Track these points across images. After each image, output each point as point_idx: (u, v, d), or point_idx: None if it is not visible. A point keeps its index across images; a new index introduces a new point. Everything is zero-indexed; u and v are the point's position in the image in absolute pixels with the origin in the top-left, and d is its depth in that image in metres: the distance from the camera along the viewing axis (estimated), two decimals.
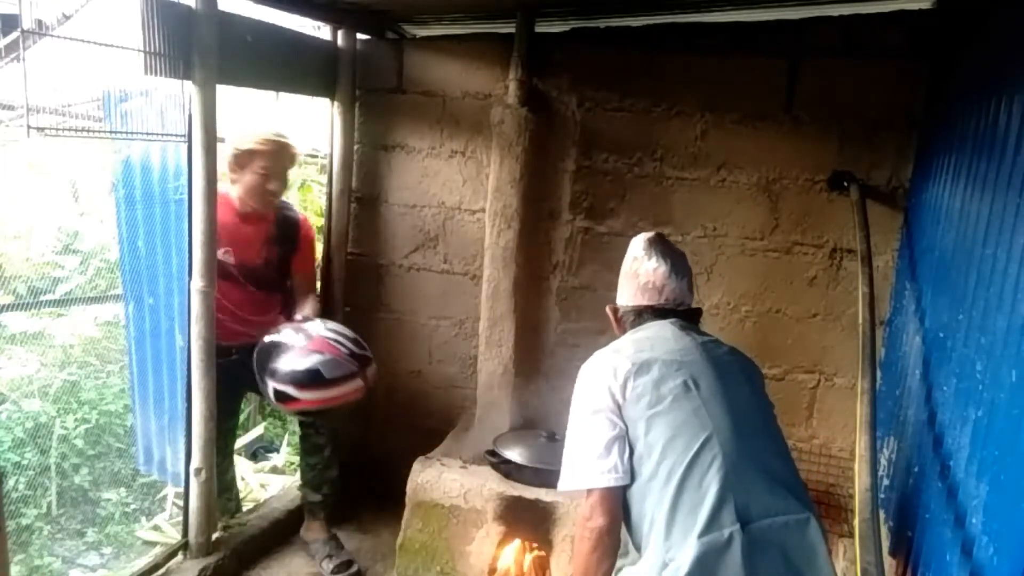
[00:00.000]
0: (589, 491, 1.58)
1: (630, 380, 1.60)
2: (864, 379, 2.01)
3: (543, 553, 2.49)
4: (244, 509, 2.97)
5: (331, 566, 2.68)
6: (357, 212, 3.19)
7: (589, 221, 2.95)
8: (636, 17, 2.79)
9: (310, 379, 2.37)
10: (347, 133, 3.07)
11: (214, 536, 2.55)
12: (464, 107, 3.01)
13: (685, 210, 2.84)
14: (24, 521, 3.21)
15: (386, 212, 3.16)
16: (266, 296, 2.73)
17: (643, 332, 1.75)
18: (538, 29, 2.79)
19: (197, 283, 2.28)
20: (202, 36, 2.17)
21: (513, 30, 2.74)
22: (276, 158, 2.59)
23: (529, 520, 2.44)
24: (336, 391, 2.42)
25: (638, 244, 1.84)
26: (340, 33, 3.00)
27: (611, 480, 1.55)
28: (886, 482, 2.35)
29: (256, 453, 3.99)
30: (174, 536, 2.80)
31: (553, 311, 3.05)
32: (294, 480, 3.36)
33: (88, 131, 2.29)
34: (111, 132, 2.18)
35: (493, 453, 2.57)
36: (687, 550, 1.45)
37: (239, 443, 3.81)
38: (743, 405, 1.62)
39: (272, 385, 2.40)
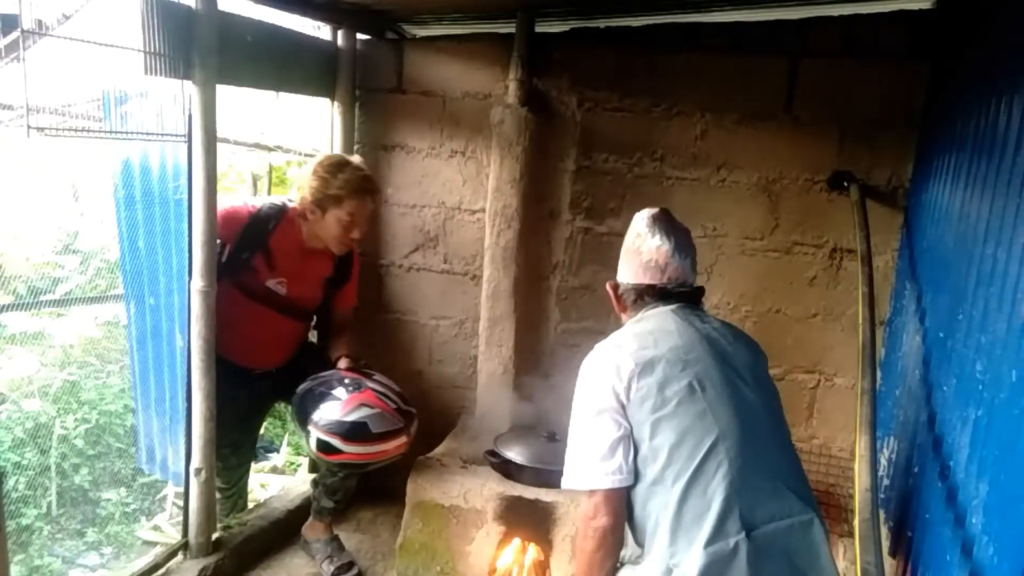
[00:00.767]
0: (593, 491, 1.57)
1: (634, 381, 1.58)
2: (864, 379, 2.01)
3: (543, 554, 2.49)
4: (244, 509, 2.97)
5: (332, 568, 2.68)
6: None
7: (589, 221, 2.95)
8: (636, 17, 2.80)
9: (356, 433, 2.30)
10: (347, 133, 3.07)
11: (214, 536, 2.54)
12: (464, 107, 3.01)
13: (685, 210, 2.82)
14: (24, 521, 3.21)
15: (386, 212, 3.16)
16: (302, 326, 2.70)
17: (645, 324, 1.71)
18: (538, 29, 2.79)
19: (197, 283, 2.28)
20: (202, 36, 2.17)
21: (513, 30, 2.75)
22: (365, 206, 2.49)
23: (529, 520, 2.44)
24: (381, 447, 2.35)
25: (641, 220, 1.78)
26: (340, 33, 3.00)
27: (616, 481, 1.55)
28: (886, 482, 2.35)
29: (256, 453, 3.99)
30: (174, 536, 2.80)
31: (553, 311, 3.05)
32: (294, 480, 3.36)
33: (88, 131, 2.28)
34: (111, 132, 2.18)
35: (493, 453, 2.57)
36: (693, 559, 1.45)
37: None
38: (749, 404, 1.61)
39: (316, 434, 2.32)
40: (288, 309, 2.58)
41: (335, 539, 2.78)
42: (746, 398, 1.61)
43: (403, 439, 2.40)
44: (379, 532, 3.03)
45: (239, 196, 2.64)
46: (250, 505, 3.01)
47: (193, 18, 2.16)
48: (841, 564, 2.27)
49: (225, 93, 2.31)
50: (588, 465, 1.58)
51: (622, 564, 1.62)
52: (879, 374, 2.63)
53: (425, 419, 3.19)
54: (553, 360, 3.02)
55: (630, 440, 1.57)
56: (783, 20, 2.65)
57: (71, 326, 3.54)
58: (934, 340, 1.94)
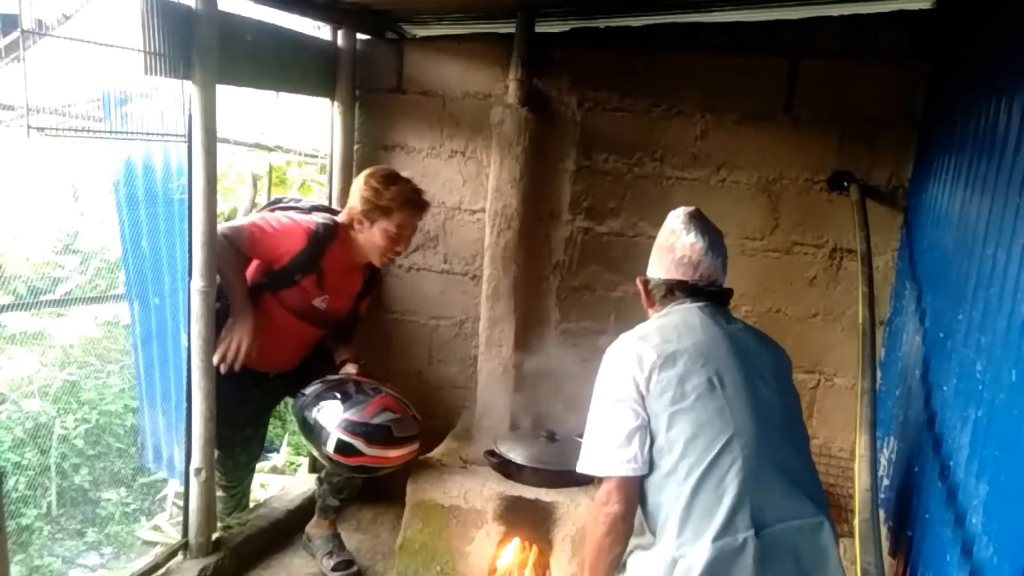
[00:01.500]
0: (607, 477, 1.60)
1: (655, 373, 1.60)
2: (864, 379, 2.01)
3: (543, 554, 2.49)
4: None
5: (331, 564, 2.68)
6: None
7: (589, 221, 2.95)
8: (636, 17, 2.80)
9: (379, 435, 2.30)
10: (347, 133, 3.07)
11: (214, 536, 2.54)
12: (464, 107, 3.01)
13: None
14: (24, 521, 3.21)
15: None
16: (323, 333, 2.68)
17: (671, 318, 1.72)
18: (538, 29, 2.79)
19: (197, 283, 2.28)
20: (202, 36, 2.17)
21: (513, 30, 2.75)
22: (414, 220, 2.49)
23: (529, 520, 2.44)
24: (400, 451, 2.36)
25: (677, 217, 1.79)
26: (340, 33, 3.00)
27: (630, 470, 1.57)
28: (886, 482, 2.35)
29: (262, 452, 3.99)
30: (174, 536, 2.80)
31: (553, 311, 3.05)
32: (294, 480, 3.36)
33: (88, 131, 2.28)
34: (111, 132, 2.18)
35: (493, 453, 2.57)
36: (700, 551, 1.46)
37: None
38: (767, 404, 1.62)
39: (337, 435, 2.29)
40: (322, 322, 2.59)
41: (337, 536, 2.78)
42: (765, 398, 1.62)
43: (416, 445, 2.43)
44: (379, 532, 3.03)
45: (290, 213, 2.53)
46: (250, 505, 3.01)
47: (193, 18, 2.16)
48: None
49: (225, 93, 2.31)
50: (604, 452, 1.60)
51: (636, 550, 1.64)
52: (879, 374, 2.63)
53: (425, 419, 3.20)
54: (553, 360, 3.02)
55: (647, 430, 1.59)
56: (783, 20, 2.65)
57: (71, 326, 3.54)
58: (934, 340, 1.94)
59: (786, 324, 2.83)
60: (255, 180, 4.31)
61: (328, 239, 2.46)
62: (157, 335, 2.43)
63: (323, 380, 2.46)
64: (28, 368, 3.42)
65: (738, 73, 2.71)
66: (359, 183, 2.47)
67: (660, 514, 1.56)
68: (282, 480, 3.58)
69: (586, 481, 2.33)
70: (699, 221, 1.77)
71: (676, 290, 1.76)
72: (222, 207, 3.62)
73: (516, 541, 2.52)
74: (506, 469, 2.52)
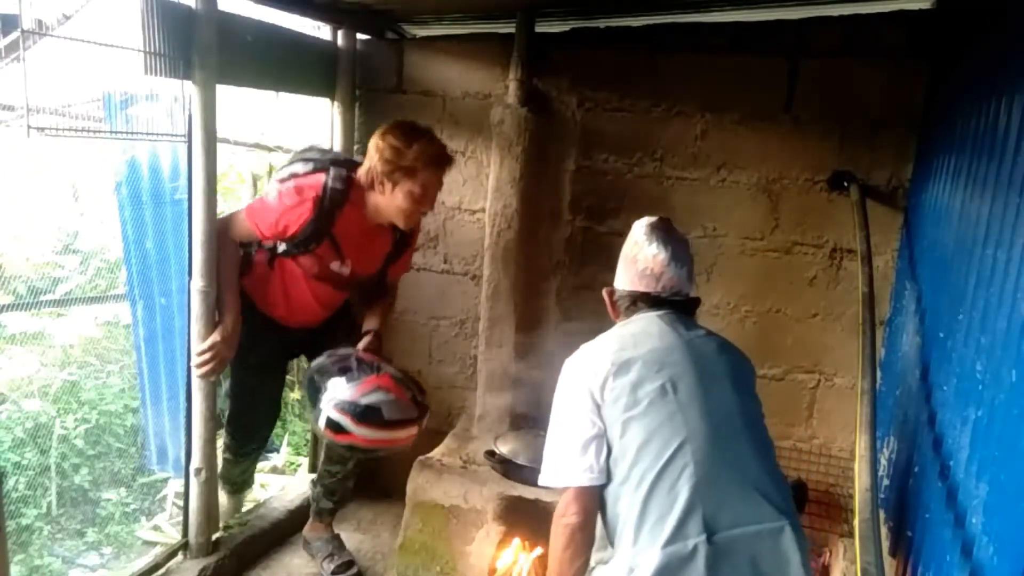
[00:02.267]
0: (564, 488, 1.59)
1: (609, 381, 1.60)
2: (864, 379, 2.01)
3: (543, 554, 2.49)
4: (244, 509, 2.97)
5: (332, 566, 2.68)
6: None
7: (589, 221, 2.95)
8: (636, 17, 2.80)
9: (368, 416, 2.18)
10: (347, 133, 3.07)
11: (214, 536, 2.55)
12: (464, 107, 3.01)
13: (685, 210, 2.84)
14: (24, 521, 3.21)
15: None
16: (350, 291, 2.62)
17: (630, 327, 1.73)
18: (538, 29, 2.79)
19: (197, 283, 2.28)
20: (202, 36, 2.17)
21: (513, 30, 2.74)
22: (438, 179, 2.32)
23: (529, 520, 2.44)
24: (391, 434, 2.23)
25: (640, 228, 1.79)
26: (340, 33, 3.00)
27: (586, 479, 1.56)
28: (886, 482, 2.35)
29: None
30: (174, 536, 2.80)
31: (553, 311, 3.05)
32: (294, 480, 3.36)
33: (88, 131, 2.28)
34: (111, 132, 2.18)
35: (493, 453, 2.57)
36: (650, 559, 1.45)
37: None
38: (724, 409, 1.60)
39: (327, 412, 2.20)
40: (346, 284, 2.51)
41: (336, 538, 2.78)
42: (721, 403, 1.61)
43: (413, 430, 2.28)
44: (379, 532, 3.03)
45: (300, 178, 2.34)
46: (250, 505, 3.01)
47: (193, 18, 2.16)
48: (841, 564, 2.27)
49: (225, 93, 2.31)
50: (560, 463, 1.61)
51: (598, 566, 1.62)
52: (879, 374, 2.63)
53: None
54: (553, 360, 3.01)
55: (603, 440, 1.58)
56: (783, 20, 2.65)
57: (71, 326, 3.53)
58: (934, 340, 1.94)
59: (786, 324, 2.83)
60: (255, 180, 4.31)
61: (338, 204, 2.31)
62: (163, 335, 2.44)
63: (330, 353, 2.34)
64: (28, 368, 3.42)
65: (738, 73, 2.71)
66: (377, 141, 2.30)
67: (618, 524, 1.55)
68: (282, 480, 3.58)
69: None
70: (662, 232, 1.77)
71: (639, 301, 1.76)
72: (222, 207, 3.61)
73: (516, 541, 2.52)
74: (506, 469, 2.52)
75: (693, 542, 1.45)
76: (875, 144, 2.63)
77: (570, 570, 1.58)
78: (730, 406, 1.62)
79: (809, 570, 1.52)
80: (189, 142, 2.23)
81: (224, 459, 2.75)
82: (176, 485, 3.18)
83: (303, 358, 2.79)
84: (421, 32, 3.15)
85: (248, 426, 2.70)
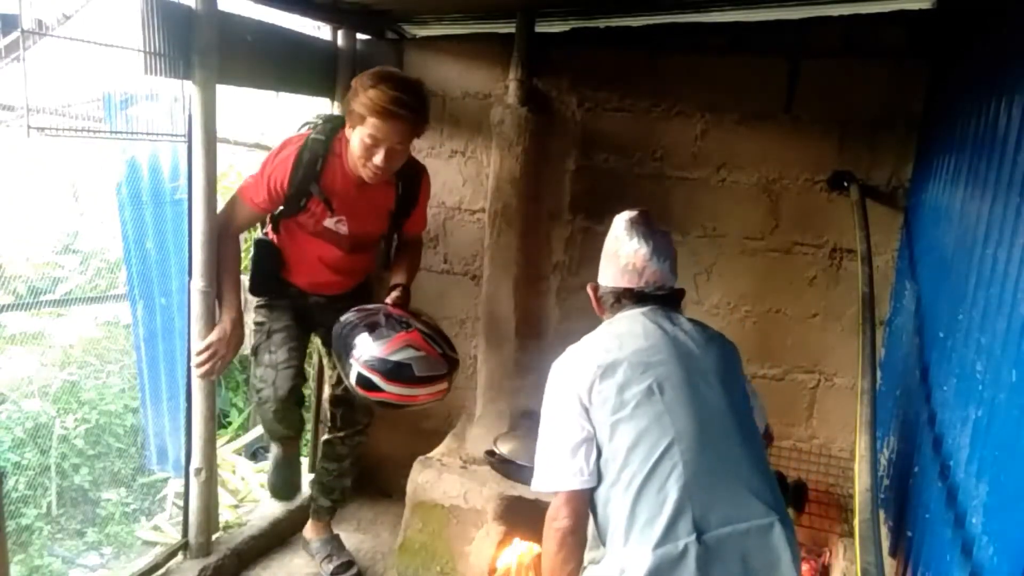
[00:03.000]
0: (556, 492, 1.59)
1: (596, 384, 1.59)
2: (864, 379, 2.01)
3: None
4: (244, 509, 2.97)
5: (331, 567, 2.68)
6: None
7: (589, 221, 2.95)
8: (636, 17, 2.79)
9: (399, 373, 2.14)
10: None
11: (214, 536, 2.55)
12: (464, 107, 3.01)
13: (685, 210, 2.84)
14: (24, 521, 3.21)
15: None
16: (367, 257, 2.56)
17: (615, 326, 1.72)
18: (538, 29, 2.79)
19: (197, 283, 2.28)
20: (202, 36, 2.17)
21: (513, 30, 2.74)
22: (390, 130, 2.14)
23: (529, 520, 2.44)
24: (422, 391, 2.20)
25: (620, 223, 1.78)
26: (340, 33, 3.00)
27: (577, 483, 1.56)
28: (886, 482, 2.35)
29: (256, 453, 3.99)
30: (174, 536, 2.80)
31: (553, 311, 3.05)
32: None
33: (88, 131, 2.28)
34: (111, 132, 2.18)
35: (493, 453, 2.57)
36: (641, 561, 1.45)
37: (239, 443, 3.81)
38: (711, 407, 1.60)
39: (357, 368, 2.15)
40: (351, 245, 2.44)
41: (335, 538, 2.78)
42: (708, 401, 1.60)
43: (444, 385, 2.24)
44: (379, 532, 3.03)
45: (290, 137, 2.34)
46: (250, 505, 3.01)
47: (193, 18, 2.16)
48: (841, 564, 2.27)
49: (225, 93, 2.31)
50: (551, 467, 1.60)
51: (589, 566, 1.62)
52: (879, 374, 2.63)
53: (425, 419, 3.21)
54: (553, 360, 3.01)
55: (593, 443, 1.58)
56: (783, 20, 2.64)
57: (71, 326, 3.54)
58: (934, 340, 1.94)
59: (786, 324, 2.83)
60: None
61: (320, 154, 2.28)
62: (163, 335, 2.44)
63: (358, 308, 2.30)
64: (28, 368, 3.42)
65: (738, 73, 2.71)
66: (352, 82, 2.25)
67: (609, 526, 1.55)
68: None
69: None
70: (641, 226, 1.75)
71: (623, 298, 1.76)
72: (222, 207, 3.61)
73: (516, 541, 2.52)
74: (506, 469, 2.52)
75: (683, 542, 1.45)
76: (875, 144, 2.63)
77: (563, 573, 1.59)
78: (717, 403, 1.61)
79: (799, 566, 1.53)
80: (189, 142, 2.23)
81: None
82: (176, 485, 3.18)
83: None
84: (421, 32, 3.15)
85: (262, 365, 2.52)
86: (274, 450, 2.81)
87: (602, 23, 2.85)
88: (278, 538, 2.87)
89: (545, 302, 3.04)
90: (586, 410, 1.60)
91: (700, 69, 2.74)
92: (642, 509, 1.49)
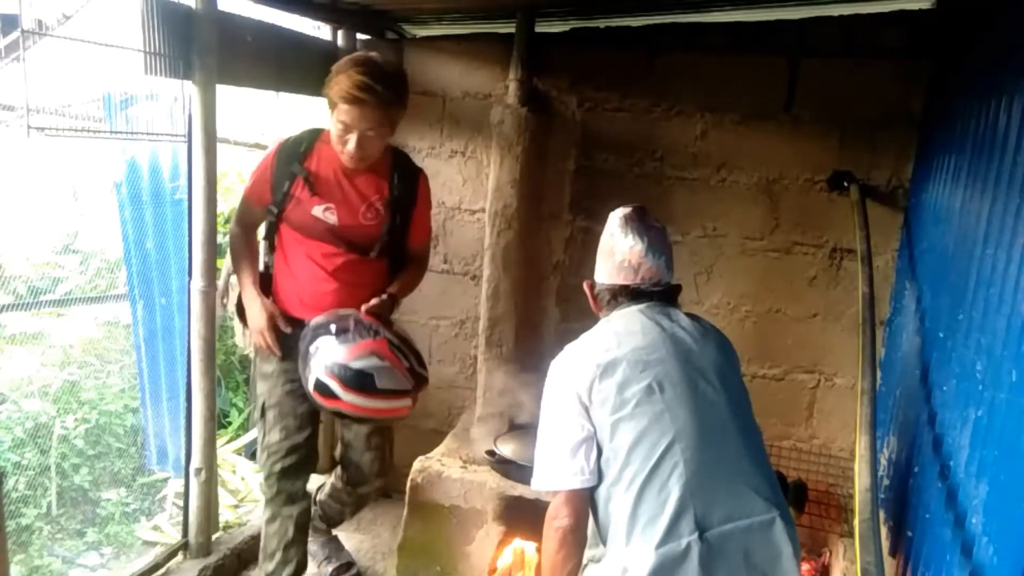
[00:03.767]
0: (556, 492, 1.59)
1: (595, 383, 1.59)
2: (864, 379, 2.01)
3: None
4: (244, 509, 2.97)
5: (331, 568, 2.68)
6: None
7: (589, 221, 2.95)
8: (636, 17, 2.80)
9: (358, 381, 2.02)
10: None
11: (214, 536, 2.55)
12: (464, 107, 3.01)
13: (685, 210, 2.84)
14: (24, 521, 3.21)
15: None
16: (367, 265, 2.32)
17: (612, 324, 1.71)
18: (538, 29, 2.79)
19: (197, 283, 2.28)
20: (202, 36, 2.17)
21: (513, 30, 2.74)
22: (359, 116, 2.07)
23: (529, 520, 2.44)
24: (382, 404, 2.07)
25: (615, 219, 1.76)
26: (340, 33, 3.00)
27: (578, 482, 1.56)
28: (886, 482, 2.35)
29: (256, 453, 3.99)
30: (174, 536, 2.80)
31: (553, 311, 3.05)
32: None
33: (88, 131, 2.29)
34: (111, 132, 2.18)
35: (493, 453, 2.57)
36: (644, 560, 1.45)
37: (239, 443, 3.81)
38: (710, 404, 1.60)
39: (316, 374, 2.04)
40: (347, 244, 2.25)
41: (334, 540, 2.78)
42: (707, 398, 1.60)
43: (407, 402, 2.11)
44: (379, 532, 3.03)
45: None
46: (250, 505, 3.01)
47: (193, 18, 2.16)
48: (841, 564, 2.27)
49: (225, 93, 2.31)
50: (551, 466, 1.59)
51: (590, 563, 1.62)
52: (879, 374, 2.63)
53: (425, 419, 3.21)
54: (553, 360, 3.01)
55: (593, 441, 1.57)
56: (783, 20, 2.65)
57: (71, 326, 3.53)
58: (934, 340, 1.94)
59: (786, 324, 2.83)
60: None
61: (306, 139, 2.23)
62: (163, 335, 2.43)
63: (330, 312, 2.16)
64: (28, 368, 3.42)
65: (738, 73, 2.71)
66: None
67: (610, 525, 1.54)
68: None
69: None
70: (636, 222, 1.74)
71: (619, 295, 1.75)
72: (222, 207, 3.61)
73: (516, 541, 2.52)
74: (506, 469, 2.52)
75: (686, 541, 1.45)
76: (875, 144, 2.63)
77: (563, 573, 1.58)
78: (716, 400, 1.61)
79: (799, 561, 1.53)
80: (189, 142, 2.23)
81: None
82: (176, 485, 3.18)
83: None
84: (421, 32, 3.15)
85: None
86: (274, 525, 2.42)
87: (602, 23, 2.85)
88: None
89: (545, 302, 3.04)
90: (586, 409, 1.59)
91: (700, 69, 2.74)
92: (644, 508, 1.49)
